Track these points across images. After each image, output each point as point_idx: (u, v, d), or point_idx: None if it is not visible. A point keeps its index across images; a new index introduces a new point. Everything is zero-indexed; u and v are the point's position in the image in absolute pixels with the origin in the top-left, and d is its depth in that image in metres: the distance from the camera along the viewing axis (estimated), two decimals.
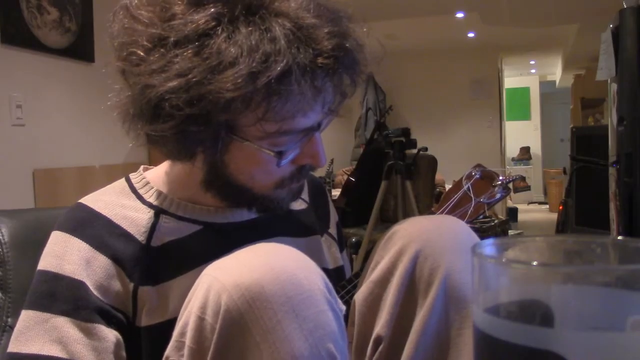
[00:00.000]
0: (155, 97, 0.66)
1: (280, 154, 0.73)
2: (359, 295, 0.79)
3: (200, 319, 0.60)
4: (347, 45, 0.71)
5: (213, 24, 0.66)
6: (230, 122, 0.70)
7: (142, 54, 0.68)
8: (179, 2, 0.68)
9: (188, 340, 0.61)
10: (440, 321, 0.73)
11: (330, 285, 0.64)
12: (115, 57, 0.72)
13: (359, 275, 0.86)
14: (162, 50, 0.67)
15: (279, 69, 0.64)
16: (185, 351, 0.61)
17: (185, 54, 0.66)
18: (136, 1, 0.71)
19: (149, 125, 0.70)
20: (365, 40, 0.75)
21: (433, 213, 1.02)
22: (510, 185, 1.02)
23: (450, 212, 1.00)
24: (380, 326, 0.76)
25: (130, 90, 0.71)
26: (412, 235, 0.77)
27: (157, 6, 0.69)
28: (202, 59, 0.65)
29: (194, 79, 0.65)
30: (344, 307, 0.65)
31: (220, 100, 0.65)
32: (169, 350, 0.64)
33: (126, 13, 0.71)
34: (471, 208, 0.98)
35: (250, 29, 0.66)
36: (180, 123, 0.67)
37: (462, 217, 0.97)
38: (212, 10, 0.66)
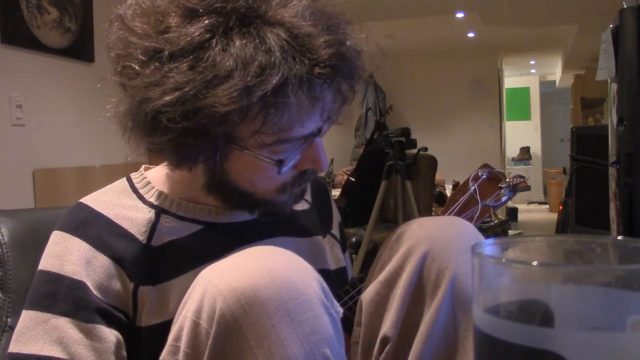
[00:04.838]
0: (152, 111, 0.66)
1: (280, 162, 0.72)
2: (366, 296, 0.79)
3: (195, 324, 0.59)
4: (345, 53, 0.70)
5: (207, 36, 0.65)
6: (227, 133, 0.70)
7: (137, 67, 0.68)
8: (173, 14, 0.67)
9: (183, 344, 0.61)
10: (447, 322, 0.73)
11: (327, 288, 0.64)
12: (112, 70, 0.72)
13: (363, 280, 0.86)
14: (157, 64, 0.66)
15: (274, 81, 0.64)
16: (180, 355, 0.61)
17: (180, 67, 0.65)
18: (130, 11, 0.70)
19: (147, 137, 0.70)
20: (363, 46, 0.74)
21: (436, 214, 1.01)
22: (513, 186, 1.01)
23: (456, 216, 0.99)
24: (387, 327, 0.75)
25: (127, 102, 0.70)
26: (419, 237, 0.77)
27: (152, 17, 0.68)
28: (197, 72, 0.65)
29: (189, 93, 0.64)
30: (341, 310, 0.65)
31: (216, 113, 0.64)
32: (164, 354, 0.63)
33: (121, 24, 0.70)
34: (477, 212, 0.97)
35: (244, 41, 0.65)
36: (178, 136, 0.67)
37: (468, 221, 0.96)
38: (206, 22, 0.66)
